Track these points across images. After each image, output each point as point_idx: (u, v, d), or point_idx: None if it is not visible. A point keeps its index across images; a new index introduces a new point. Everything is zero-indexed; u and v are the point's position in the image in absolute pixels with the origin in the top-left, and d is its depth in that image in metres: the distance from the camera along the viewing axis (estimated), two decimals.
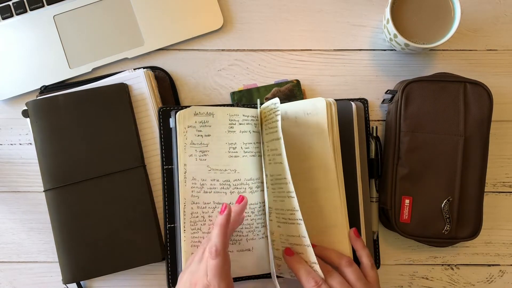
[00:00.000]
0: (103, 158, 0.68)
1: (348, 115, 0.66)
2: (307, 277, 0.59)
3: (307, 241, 0.60)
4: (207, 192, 0.64)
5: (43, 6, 0.73)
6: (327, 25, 0.74)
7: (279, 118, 0.61)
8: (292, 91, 0.72)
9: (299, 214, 0.59)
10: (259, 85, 0.73)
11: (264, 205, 0.66)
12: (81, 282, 0.70)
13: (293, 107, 0.65)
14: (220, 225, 0.57)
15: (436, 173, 0.65)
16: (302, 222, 0.59)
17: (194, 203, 0.63)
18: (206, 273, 0.55)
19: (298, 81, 0.72)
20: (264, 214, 0.66)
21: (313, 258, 0.59)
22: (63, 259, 0.67)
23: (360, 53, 0.74)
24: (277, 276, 0.66)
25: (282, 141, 0.60)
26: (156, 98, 0.70)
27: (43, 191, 0.68)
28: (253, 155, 0.66)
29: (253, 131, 0.66)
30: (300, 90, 0.72)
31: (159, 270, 0.71)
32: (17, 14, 0.73)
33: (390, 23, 0.66)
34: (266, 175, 0.65)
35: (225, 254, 0.56)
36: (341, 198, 0.62)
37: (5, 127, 0.73)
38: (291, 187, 0.60)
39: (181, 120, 0.64)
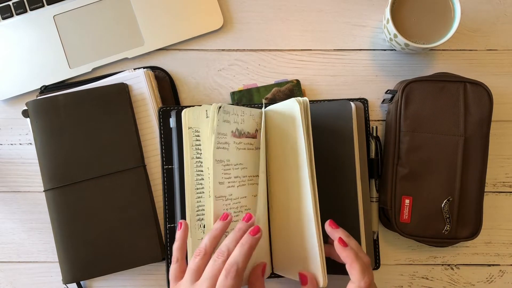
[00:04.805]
0: (103, 158, 0.68)
1: (347, 115, 0.66)
2: (363, 274, 0.54)
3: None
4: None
5: (43, 6, 0.73)
6: (327, 25, 0.74)
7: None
8: (292, 91, 0.72)
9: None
10: (259, 85, 0.73)
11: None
12: (81, 282, 0.70)
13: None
14: (250, 246, 0.52)
15: (436, 173, 0.65)
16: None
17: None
18: None
19: (298, 81, 0.72)
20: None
21: None
22: (63, 259, 0.67)
23: (360, 53, 0.74)
24: (275, 276, 0.66)
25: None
26: (156, 98, 0.70)
27: (43, 191, 0.68)
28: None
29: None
30: (300, 90, 0.72)
31: (159, 270, 0.71)
32: (17, 14, 0.73)
33: (390, 23, 0.66)
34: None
35: (241, 278, 0.51)
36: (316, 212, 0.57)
37: (5, 127, 0.73)
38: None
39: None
